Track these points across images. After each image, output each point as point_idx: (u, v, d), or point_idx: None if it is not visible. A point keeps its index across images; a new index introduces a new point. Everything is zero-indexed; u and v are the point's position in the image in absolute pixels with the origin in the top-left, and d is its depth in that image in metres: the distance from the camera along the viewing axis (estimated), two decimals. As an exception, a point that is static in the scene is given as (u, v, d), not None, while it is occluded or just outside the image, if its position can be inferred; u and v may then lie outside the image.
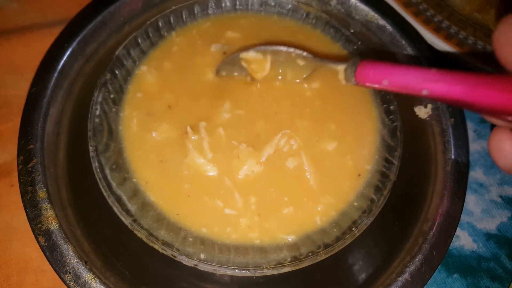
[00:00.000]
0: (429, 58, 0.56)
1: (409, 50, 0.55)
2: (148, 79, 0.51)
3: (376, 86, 0.37)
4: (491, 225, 0.55)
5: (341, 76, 0.42)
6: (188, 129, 0.47)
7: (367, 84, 0.39)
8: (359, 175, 0.47)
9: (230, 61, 0.50)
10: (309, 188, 0.46)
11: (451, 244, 0.53)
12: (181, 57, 0.53)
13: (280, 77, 0.51)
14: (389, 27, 0.57)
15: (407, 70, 0.34)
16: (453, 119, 0.51)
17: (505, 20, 0.30)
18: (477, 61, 0.60)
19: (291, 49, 0.46)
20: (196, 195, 0.45)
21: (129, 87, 0.51)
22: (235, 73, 0.51)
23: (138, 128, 0.48)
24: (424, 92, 0.32)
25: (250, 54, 0.48)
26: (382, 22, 0.57)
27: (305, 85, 0.51)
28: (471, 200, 0.57)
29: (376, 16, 0.58)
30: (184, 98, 0.50)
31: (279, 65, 0.49)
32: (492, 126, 0.35)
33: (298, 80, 0.51)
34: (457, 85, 0.30)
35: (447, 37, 0.62)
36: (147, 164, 0.47)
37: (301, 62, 0.47)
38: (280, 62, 0.49)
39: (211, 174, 0.46)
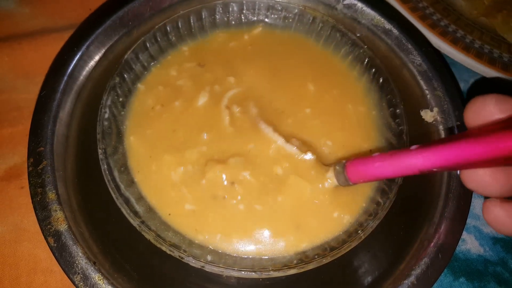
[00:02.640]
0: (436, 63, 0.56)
1: (415, 54, 0.55)
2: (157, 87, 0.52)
3: (371, 179, 0.41)
4: (498, 229, 0.55)
5: (334, 181, 0.43)
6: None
7: (363, 180, 0.40)
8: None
9: None
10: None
11: (458, 248, 0.53)
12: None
13: None
14: (395, 31, 0.57)
15: (391, 157, 0.36)
16: (459, 123, 0.51)
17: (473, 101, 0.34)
18: (483, 64, 0.60)
19: None
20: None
21: (139, 89, 0.52)
22: None
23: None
24: (416, 171, 0.34)
25: None
26: (388, 26, 0.58)
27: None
28: (478, 204, 0.57)
29: (382, 20, 0.58)
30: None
31: None
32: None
33: None
34: (443, 154, 0.32)
35: (454, 41, 0.62)
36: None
37: None
38: None
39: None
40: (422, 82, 0.55)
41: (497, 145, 0.29)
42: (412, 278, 0.44)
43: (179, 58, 0.55)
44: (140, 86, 0.52)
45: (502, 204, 0.34)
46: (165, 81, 0.52)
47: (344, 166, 0.41)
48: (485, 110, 0.33)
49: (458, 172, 0.47)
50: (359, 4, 0.58)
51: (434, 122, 0.53)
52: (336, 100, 0.52)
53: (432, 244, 0.45)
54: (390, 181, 0.46)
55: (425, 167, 0.33)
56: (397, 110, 0.49)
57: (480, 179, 0.34)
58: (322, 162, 0.46)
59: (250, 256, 0.44)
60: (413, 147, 0.34)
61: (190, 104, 0.50)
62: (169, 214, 0.45)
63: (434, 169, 0.33)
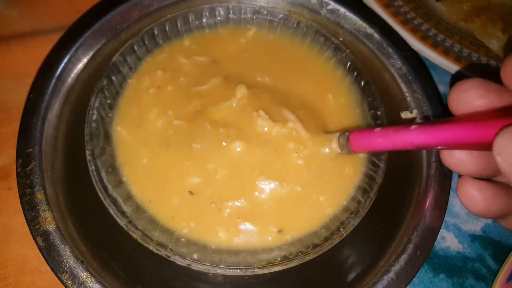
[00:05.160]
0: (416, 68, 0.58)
1: (396, 58, 0.57)
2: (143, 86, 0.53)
3: (372, 151, 0.45)
4: (476, 227, 0.57)
5: (336, 149, 0.46)
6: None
7: (364, 151, 0.45)
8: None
9: None
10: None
11: (438, 245, 0.55)
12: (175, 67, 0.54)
13: None
14: (376, 36, 0.59)
15: (391, 133, 0.39)
16: (437, 124, 0.53)
17: (458, 84, 0.36)
18: (462, 68, 0.62)
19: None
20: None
21: (126, 90, 0.53)
22: None
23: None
24: (412, 147, 0.37)
25: None
26: (370, 30, 0.59)
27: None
28: (457, 203, 0.58)
29: (364, 25, 0.59)
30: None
31: None
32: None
33: None
34: (435, 135, 0.34)
35: (434, 45, 0.64)
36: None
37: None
38: None
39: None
40: (402, 85, 0.56)
41: (485, 132, 0.31)
42: (391, 274, 0.45)
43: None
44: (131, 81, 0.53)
45: (475, 182, 0.36)
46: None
47: (348, 138, 0.44)
48: (469, 93, 0.35)
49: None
50: (342, 9, 0.60)
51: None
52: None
53: (410, 241, 0.46)
54: (370, 179, 0.47)
55: (420, 145, 0.36)
56: (378, 112, 0.50)
57: (457, 157, 0.37)
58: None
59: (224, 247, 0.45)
60: (413, 126, 0.36)
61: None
62: (150, 201, 0.47)
63: (428, 148, 0.37)
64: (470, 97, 0.35)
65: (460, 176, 0.38)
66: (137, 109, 0.51)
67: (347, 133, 0.45)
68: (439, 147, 0.36)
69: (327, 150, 0.47)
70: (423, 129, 0.35)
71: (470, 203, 0.36)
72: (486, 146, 0.30)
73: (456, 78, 0.62)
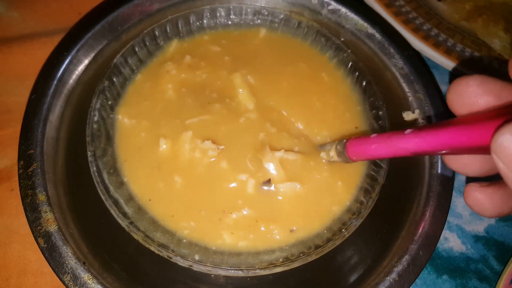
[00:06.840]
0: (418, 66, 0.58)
1: (397, 58, 0.57)
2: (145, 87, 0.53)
3: (369, 158, 0.43)
4: (479, 228, 0.57)
5: (335, 157, 0.45)
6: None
7: (361, 159, 0.44)
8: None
9: None
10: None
11: (441, 246, 0.55)
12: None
13: None
14: (378, 36, 0.59)
15: (387, 140, 0.37)
16: (439, 124, 0.53)
17: (456, 82, 0.34)
18: (464, 67, 0.62)
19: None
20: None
21: (127, 93, 0.53)
22: None
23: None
24: (408, 153, 0.35)
25: None
26: (371, 30, 0.59)
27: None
28: (460, 203, 0.58)
29: (365, 25, 0.59)
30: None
31: None
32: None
33: None
34: (430, 140, 0.33)
35: (435, 45, 0.64)
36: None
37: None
38: None
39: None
40: (404, 85, 0.56)
41: (480, 135, 0.28)
42: (394, 275, 0.45)
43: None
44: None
45: (481, 188, 0.35)
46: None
47: (345, 146, 0.43)
48: (468, 91, 0.32)
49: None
50: (343, 9, 0.60)
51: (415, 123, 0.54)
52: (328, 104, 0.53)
53: (413, 241, 0.46)
54: (372, 180, 0.47)
55: (416, 151, 0.34)
56: (380, 112, 0.50)
57: (460, 161, 0.35)
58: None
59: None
60: (407, 131, 0.35)
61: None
62: (149, 200, 0.47)
63: (424, 153, 0.34)
64: (469, 97, 0.32)
65: (466, 179, 0.37)
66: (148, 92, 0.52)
67: (344, 141, 0.44)
68: (438, 153, 0.35)
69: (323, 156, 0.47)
70: (417, 134, 0.34)
71: (477, 208, 0.35)
72: (485, 150, 0.28)
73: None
